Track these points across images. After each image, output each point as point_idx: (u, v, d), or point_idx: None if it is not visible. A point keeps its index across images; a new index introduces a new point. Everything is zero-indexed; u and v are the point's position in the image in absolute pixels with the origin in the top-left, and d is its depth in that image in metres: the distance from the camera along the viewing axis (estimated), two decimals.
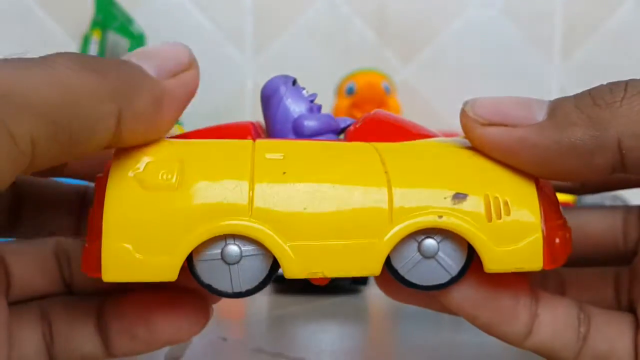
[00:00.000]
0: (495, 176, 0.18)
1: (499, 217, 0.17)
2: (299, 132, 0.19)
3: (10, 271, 0.19)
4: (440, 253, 0.17)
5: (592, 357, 0.20)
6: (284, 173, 0.16)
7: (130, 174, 0.16)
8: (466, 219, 0.17)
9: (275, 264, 0.17)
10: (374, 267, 0.17)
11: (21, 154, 0.13)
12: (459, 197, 0.17)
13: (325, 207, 0.16)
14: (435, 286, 0.18)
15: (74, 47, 0.65)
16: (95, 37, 0.62)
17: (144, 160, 0.16)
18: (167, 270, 0.16)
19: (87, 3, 0.63)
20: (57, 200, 0.22)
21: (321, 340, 0.31)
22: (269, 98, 0.20)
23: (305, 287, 0.40)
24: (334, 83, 0.61)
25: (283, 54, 0.67)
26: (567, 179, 0.18)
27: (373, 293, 0.42)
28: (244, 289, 0.17)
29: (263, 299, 0.38)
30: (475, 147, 0.18)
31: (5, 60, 0.14)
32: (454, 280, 0.18)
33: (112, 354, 0.19)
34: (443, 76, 0.67)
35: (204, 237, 0.16)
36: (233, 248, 0.16)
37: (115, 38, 0.64)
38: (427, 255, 0.17)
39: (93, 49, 0.62)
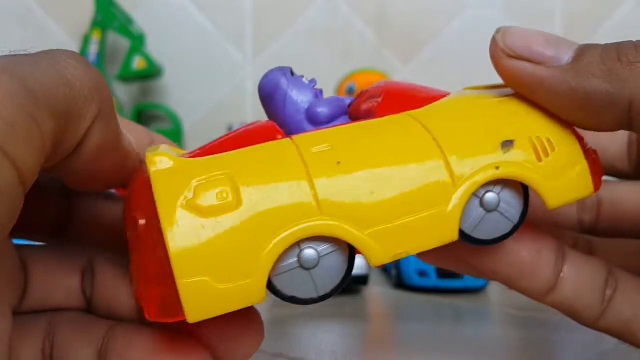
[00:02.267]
0: (529, 118, 0.18)
1: (547, 155, 0.18)
2: (315, 121, 0.19)
3: (29, 280, 0.18)
4: (501, 204, 0.18)
5: (614, 320, 0.20)
6: (339, 163, 0.16)
7: (182, 202, 0.15)
8: (520, 164, 0.17)
9: (351, 256, 0.16)
10: (450, 234, 0.17)
11: (46, 151, 0.13)
12: (506, 145, 0.17)
13: (390, 187, 0.16)
14: (500, 238, 0.18)
15: (74, 47, 0.65)
16: (95, 37, 0.62)
17: (191, 185, 0.15)
18: (253, 293, 0.15)
19: (87, 3, 0.63)
20: (106, 215, 0.21)
21: (321, 340, 0.31)
22: (271, 95, 0.19)
23: None
24: (334, 83, 0.61)
25: (283, 54, 0.67)
26: (576, 124, 0.18)
27: (373, 293, 0.42)
28: (328, 289, 0.16)
29: None
30: (499, 76, 0.19)
31: (14, 56, 0.14)
32: (516, 228, 0.18)
33: None
34: (443, 76, 0.67)
35: (282, 249, 0.15)
36: (310, 252, 0.16)
37: (115, 38, 0.64)
38: (490, 209, 0.18)
39: (93, 49, 0.62)
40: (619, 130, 0.18)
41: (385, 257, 0.16)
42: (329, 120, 0.19)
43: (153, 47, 0.64)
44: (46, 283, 0.19)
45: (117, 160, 0.17)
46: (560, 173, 0.18)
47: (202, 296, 0.15)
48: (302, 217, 0.15)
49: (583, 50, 0.18)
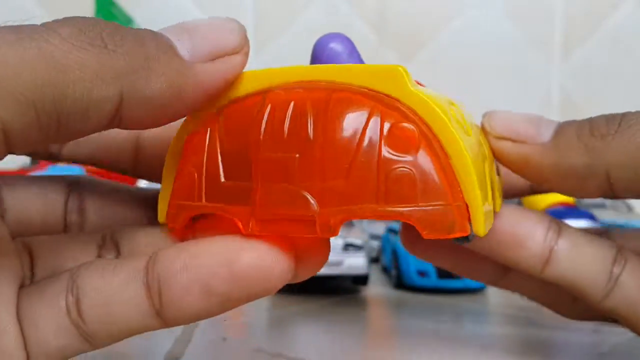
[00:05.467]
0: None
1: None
2: None
3: (35, 261, 0.17)
4: None
5: (620, 300, 0.20)
6: (464, 127, 0.17)
7: (452, 120, 0.15)
8: None
9: None
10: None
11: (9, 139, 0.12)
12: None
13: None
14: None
15: None
16: None
17: (446, 109, 0.16)
18: (491, 220, 0.16)
19: (87, 3, 0.63)
20: (122, 202, 0.20)
21: (321, 340, 0.31)
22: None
23: (305, 287, 0.40)
24: None
25: (283, 54, 0.67)
26: (565, 194, 0.20)
27: (373, 293, 0.42)
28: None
29: (263, 299, 0.38)
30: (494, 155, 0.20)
31: None
32: None
33: (166, 318, 0.15)
34: (443, 76, 0.67)
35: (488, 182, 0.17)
36: None
37: None
38: None
39: None
40: (603, 197, 0.19)
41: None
42: None
43: None
44: (56, 256, 0.17)
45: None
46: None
47: (482, 211, 0.15)
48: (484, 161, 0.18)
49: (561, 128, 0.19)
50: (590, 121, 0.19)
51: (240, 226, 0.15)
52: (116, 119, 0.14)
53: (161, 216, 0.18)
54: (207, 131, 0.16)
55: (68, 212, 0.19)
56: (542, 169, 0.19)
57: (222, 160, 0.16)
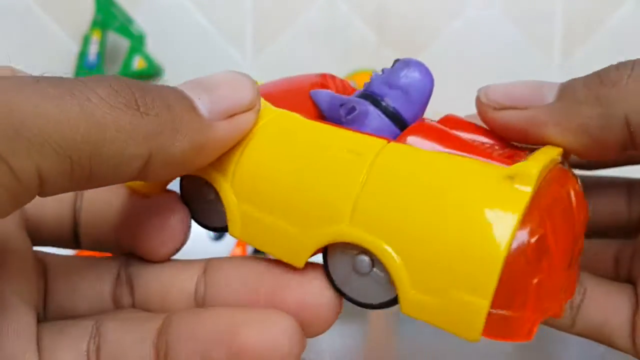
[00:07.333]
0: None
1: None
2: None
3: (50, 285, 0.17)
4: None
5: (585, 327, 0.20)
6: None
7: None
8: None
9: None
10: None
11: (23, 188, 0.13)
12: None
13: None
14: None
15: (74, 47, 0.65)
16: (95, 37, 0.62)
17: None
18: None
19: (87, 3, 0.63)
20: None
21: (321, 340, 0.31)
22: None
23: None
24: None
25: (283, 54, 0.67)
26: (580, 156, 0.18)
27: None
28: None
29: None
30: (490, 129, 0.19)
31: (38, 81, 0.13)
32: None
33: None
34: (442, 76, 0.67)
35: None
36: None
37: (115, 38, 0.64)
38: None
39: (93, 49, 0.62)
40: (625, 151, 0.17)
41: None
42: None
43: (153, 47, 0.64)
44: (71, 289, 0.17)
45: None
46: None
47: None
48: None
49: (565, 86, 0.18)
50: (599, 72, 0.17)
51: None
52: (142, 174, 0.14)
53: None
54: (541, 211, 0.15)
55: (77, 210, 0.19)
56: (551, 129, 0.17)
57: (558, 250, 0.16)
